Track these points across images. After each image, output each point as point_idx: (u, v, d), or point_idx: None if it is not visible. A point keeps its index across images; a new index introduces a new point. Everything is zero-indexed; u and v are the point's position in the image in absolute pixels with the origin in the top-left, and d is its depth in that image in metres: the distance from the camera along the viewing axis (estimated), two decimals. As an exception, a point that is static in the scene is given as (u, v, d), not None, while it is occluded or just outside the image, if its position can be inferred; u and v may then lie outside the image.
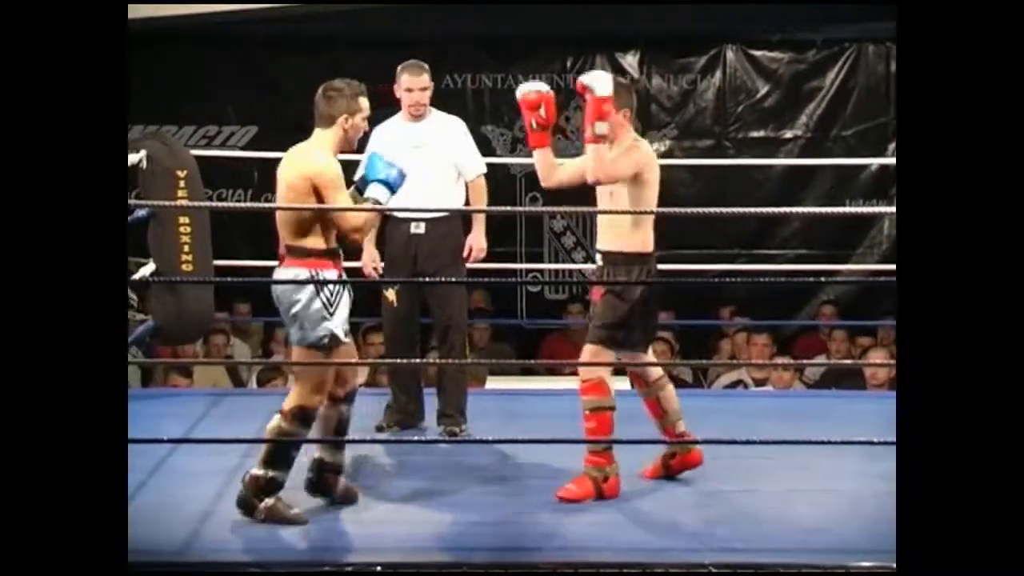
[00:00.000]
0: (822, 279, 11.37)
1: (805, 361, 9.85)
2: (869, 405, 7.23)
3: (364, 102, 5.49)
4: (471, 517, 5.37)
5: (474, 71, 11.32)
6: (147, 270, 7.59)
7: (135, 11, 9.52)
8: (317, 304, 5.25)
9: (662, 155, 11.24)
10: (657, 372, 5.88)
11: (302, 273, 5.26)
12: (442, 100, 10.82)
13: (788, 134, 11.37)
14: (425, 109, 6.75)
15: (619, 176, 5.63)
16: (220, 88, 11.30)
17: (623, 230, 5.69)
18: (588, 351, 5.72)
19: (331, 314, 5.26)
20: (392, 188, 5.38)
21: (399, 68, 6.78)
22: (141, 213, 7.60)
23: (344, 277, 5.38)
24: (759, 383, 9.06)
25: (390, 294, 6.72)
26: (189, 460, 5.93)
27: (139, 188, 7.79)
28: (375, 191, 5.35)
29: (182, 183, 7.54)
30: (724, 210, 5.59)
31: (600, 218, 5.87)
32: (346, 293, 5.34)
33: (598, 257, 5.85)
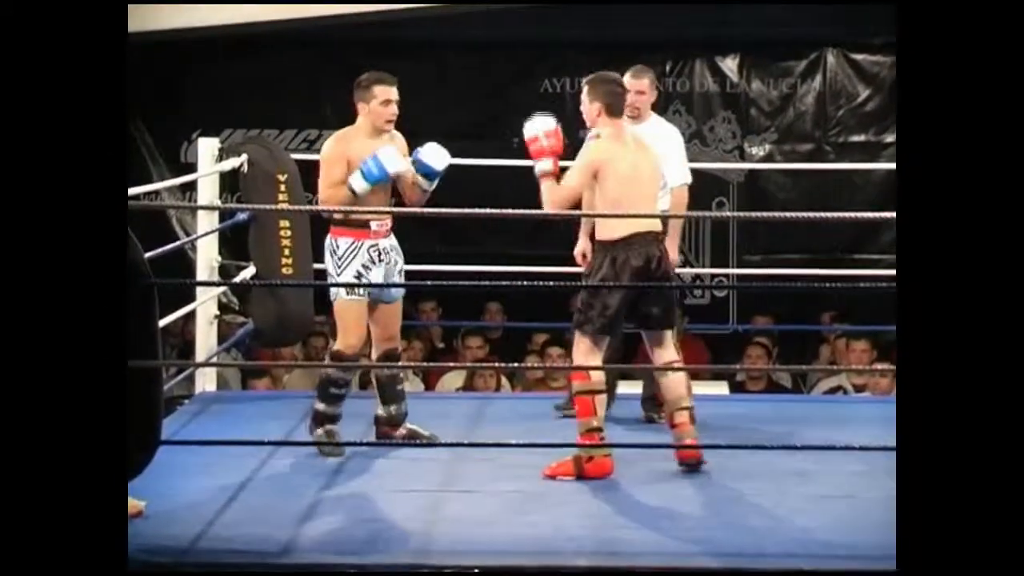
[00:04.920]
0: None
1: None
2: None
3: (378, 89, 6.34)
4: (566, 519, 5.38)
5: (573, 75, 11.30)
6: (248, 273, 7.65)
7: (238, 17, 9.64)
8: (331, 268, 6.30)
9: (761, 159, 11.20)
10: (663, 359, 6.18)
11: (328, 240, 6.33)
12: (541, 104, 10.88)
13: (889, 138, 11.25)
14: (640, 112, 6.98)
15: (570, 197, 6.10)
16: (320, 92, 11.36)
17: (598, 221, 6.19)
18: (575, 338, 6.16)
19: (337, 275, 6.24)
20: (366, 178, 6.16)
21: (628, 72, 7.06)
22: (242, 216, 7.67)
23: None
24: (859, 389, 8.99)
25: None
26: (289, 462, 5.98)
27: (240, 192, 7.85)
28: (353, 179, 6.18)
29: (283, 187, 7.60)
30: (821, 215, 5.57)
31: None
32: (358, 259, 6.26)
33: None
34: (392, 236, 6.38)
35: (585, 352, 6.03)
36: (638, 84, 6.99)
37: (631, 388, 7.39)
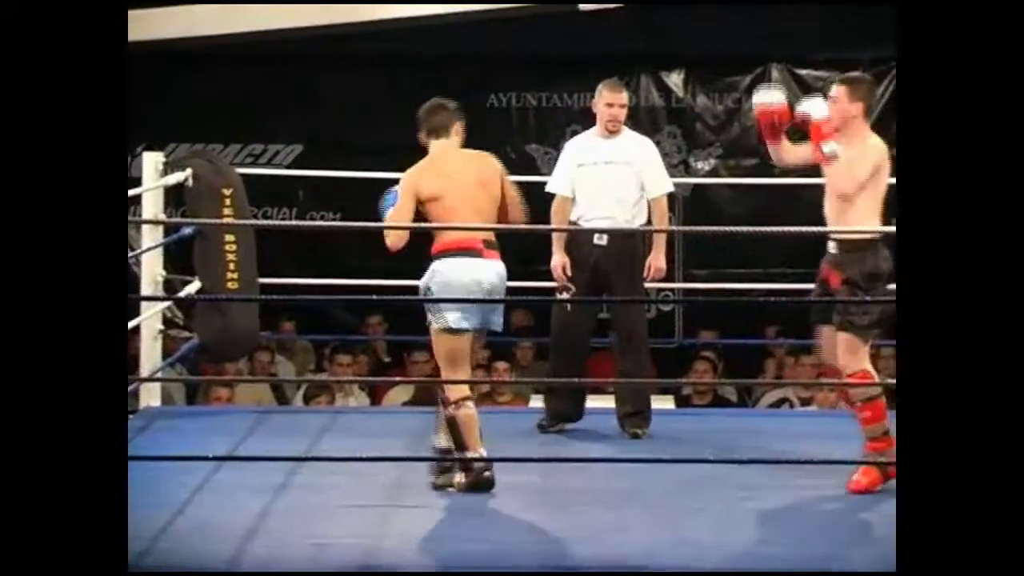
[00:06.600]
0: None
1: (833, 381, 9.76)
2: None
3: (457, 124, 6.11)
4: (512, 535, 5.38)
5: (519, 90, 11.32)
6: (193, 288, 7.61)
7: (181, 31, 9.60)
8: None
9: (707, 174, 11.23)
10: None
11: (502, 266, 5.94)
12: (487, 119, 10.90)
13: (835, 152, 11.30)
14: (620, 125, 7.06)
15: (859, 183, 5.91)
16: (266, 107, 11.34)
17: (850, 221, 5.93)
18: (843, 341, 5.91)
19: None
20: None
21: (601, 85, 7.13)
22: (187, 231, 7.63)
23: None
24: (805, 402, 9.02)
25: (565, 297, 7.07)
26: (234, 477, 5.94)
27: (185, 206, 7.81)
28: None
29: (228, 201, 7.57)
30: (765, 229, 5.60)
31: (830, 210, 6.03)
32: None
33: (831, 245, 6.02)
34: None
35: (855, 351, 5.90)
36: (621, 98, 7.10)
37: (599, 403, 7.39)
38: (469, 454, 5.82)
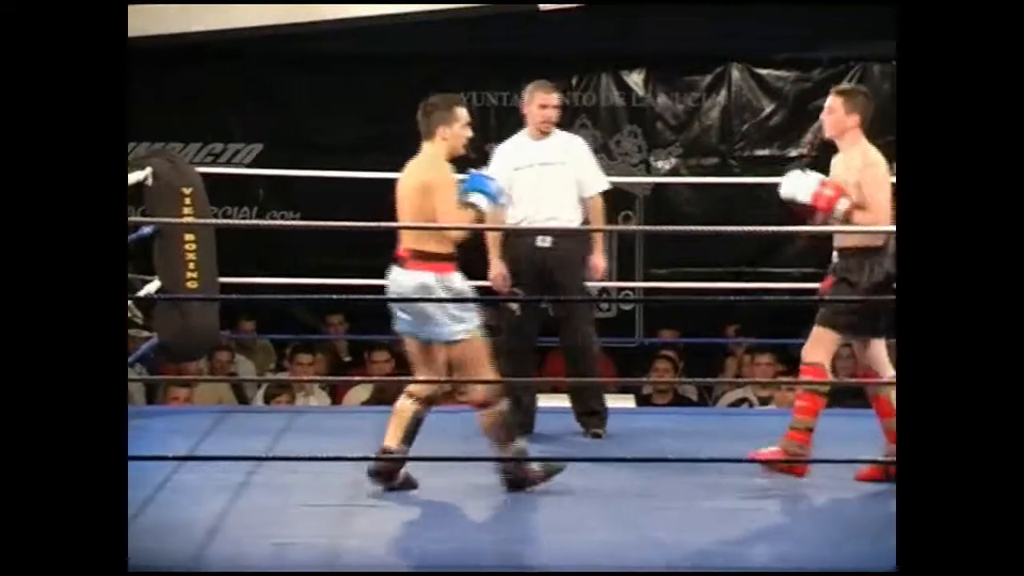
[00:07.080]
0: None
1: (792, 379, 9.79)
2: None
3: (460, 111, 5.95)
4: (472, 534, 5.38)
5: (480, 89, 11.31)
6: (152, 287, 7.59)
7: (141, 29, 9.55)
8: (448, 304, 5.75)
9: (667, 173, 11.25)
10: (892, 371, 6.02)
11: (427, 276, 5.71)
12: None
13: (793, 152, 11.34)
14: (552, 127, 7.00)
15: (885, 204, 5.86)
16: (226, 106, 11.30)
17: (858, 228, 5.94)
18: (814, 332, 5.99)
19: (464, 309, 5.78)
20: (493, 199, 5.91)
21: (531, 86, 7.07)
22: (146, 230, 7.61)
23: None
24: (764, 401, 9.04)
25: (513, 304, 6.94)
26: (195, 477, 5.93)
27: (144, 205, 7.79)
28: (476, 198, 5.84)
29: (187, 200, 7.55)
30: (726, 228, 5.61)
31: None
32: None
33: (835, 254, 6.08)
34: None
35: (821, 343, 5.97)
36: (555, 99, 7.05)
37: (553, 402, 7.38)
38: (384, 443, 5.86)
